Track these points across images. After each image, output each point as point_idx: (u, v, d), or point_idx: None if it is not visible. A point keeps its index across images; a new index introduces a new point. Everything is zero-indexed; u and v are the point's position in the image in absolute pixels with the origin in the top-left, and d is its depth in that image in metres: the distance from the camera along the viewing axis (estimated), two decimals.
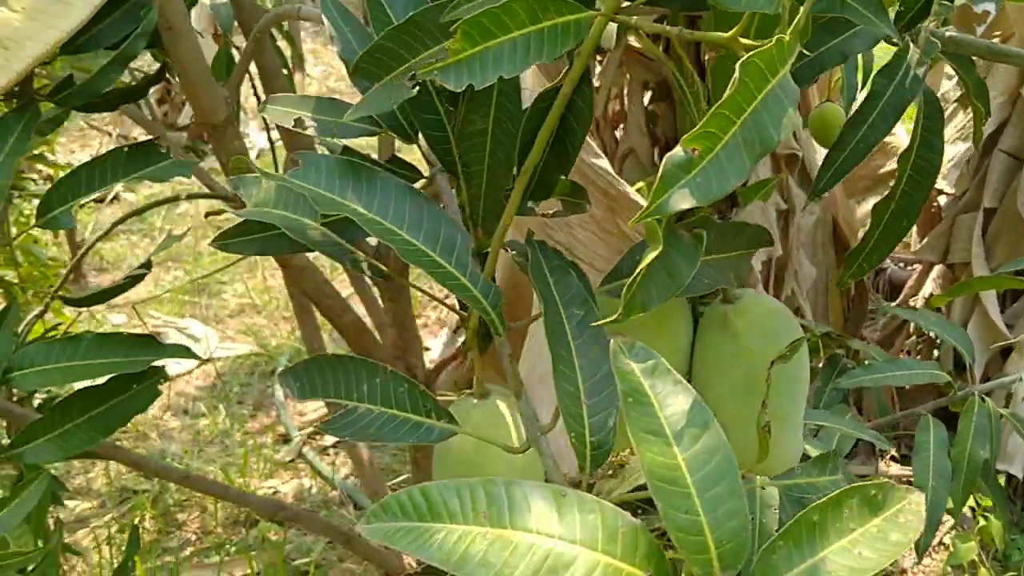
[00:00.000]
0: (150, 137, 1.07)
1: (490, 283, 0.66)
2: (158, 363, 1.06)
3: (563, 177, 0.71)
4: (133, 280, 1.20)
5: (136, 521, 2.42)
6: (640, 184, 1.20)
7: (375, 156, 0.90)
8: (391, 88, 0.63)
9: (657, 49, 0.63)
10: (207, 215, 1.24)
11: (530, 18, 0.52)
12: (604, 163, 1.04)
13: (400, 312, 1.60)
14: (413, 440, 0.70)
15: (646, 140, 2.01)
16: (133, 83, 1.30)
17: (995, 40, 2.01)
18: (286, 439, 2.86)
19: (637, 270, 0.49)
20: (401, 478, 2.49)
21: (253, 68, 1.33)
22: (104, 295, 1.17)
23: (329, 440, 2.84)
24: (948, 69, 2.23)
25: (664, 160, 0.45)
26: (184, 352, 1.10)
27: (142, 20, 0.99)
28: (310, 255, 1.31)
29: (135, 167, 1.00)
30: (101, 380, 1.04)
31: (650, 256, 0.48)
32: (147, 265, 1.17)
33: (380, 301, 1.66)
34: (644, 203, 0.47)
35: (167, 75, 1.18)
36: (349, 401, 0.72)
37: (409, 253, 0.64)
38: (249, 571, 2.22)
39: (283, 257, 1.35)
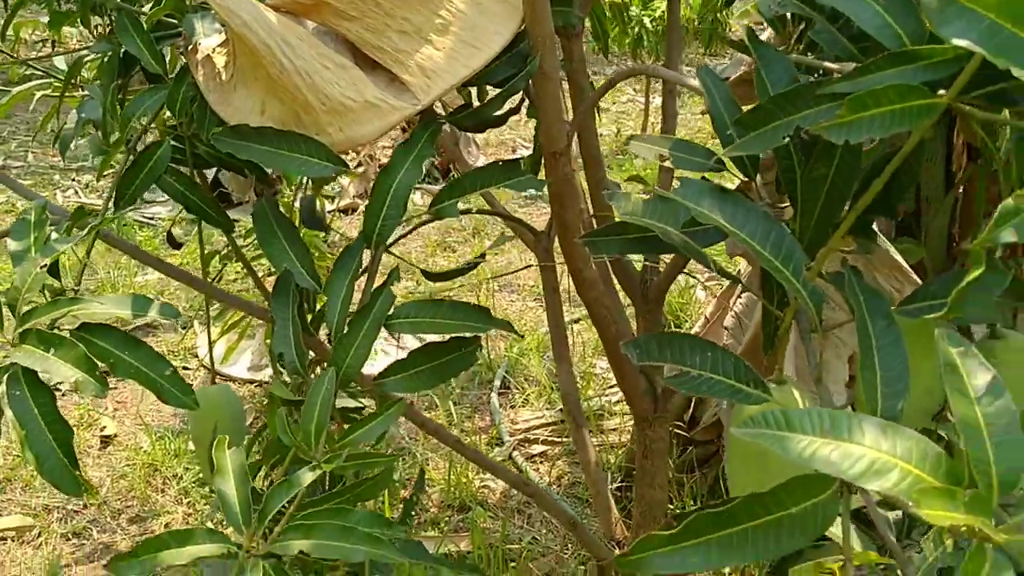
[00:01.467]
0: (515, 157, 1.36)
1: (817, 291, 0.88)
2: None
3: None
4: (469, 267, 1.50)
5: None
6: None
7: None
8: (765, 137, 0.86)
9: (979, 129, 0.83)
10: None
11: (897, 98, 0.75)
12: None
13: (650, 330, 1.84)
14: (732, 399, 0.92)
15: None
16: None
17: None
18: (499, 442, 3.14)
19: (964, 281, 0.70)
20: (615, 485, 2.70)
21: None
22: (448, 275, 1.47)
23: (536, 449, 3.10)
24: None
25: (1000, 206, 0.65)
26: (507, 326, 1.38)
27: (527, 66, 1.28)
28: None
29: (504, 178, 1.29)
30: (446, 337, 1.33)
31: (974, 273, 0.69)
32: (483, 256, 1.47)
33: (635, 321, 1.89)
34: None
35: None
36: (683, 367, 0.95)
37: (760, 256, 0.87)
38: (471, 545, 2.49)
39: (577, 268, 1.60)
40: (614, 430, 3.13)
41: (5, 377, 1.24)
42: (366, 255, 1.32)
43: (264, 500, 1.04)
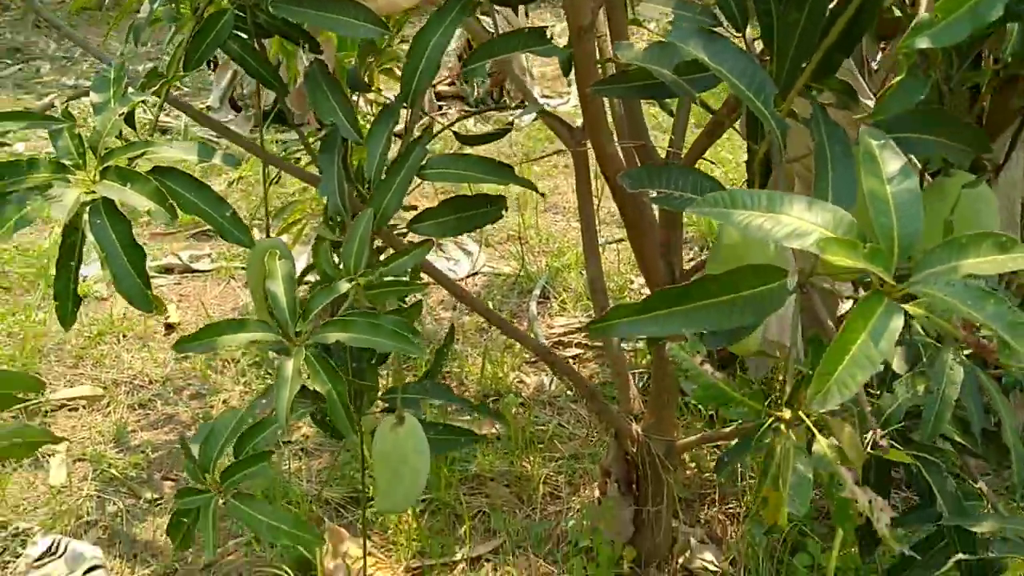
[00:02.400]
0: (544, 25, 1.49)
1: (783, 120, 1.01)
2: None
3: (842, 62, 1.05)
4: (501, 132, 1.65)
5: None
6: None
7: None
8: None
9: None
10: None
11: None
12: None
13: (672, 218, 1.96)
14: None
15: None
16: None
17: None
18: None
19: (888, 86, 0.83)
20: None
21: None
22: (482, 139, 1.62)
23: (570, 352, 3.26)
24: None
25: (916, 18, 0.78)
26: (529, 184, 1.52)
27: None
28: None
29: (530, 44, 1.43)
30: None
31: (897, 79, 0.82)
32: (511, 125, 1.61)
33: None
34: None
35: None
36: (672, 191, 1.09)
37: (736, 89, 1.00)
38: (504, 428, 2.68)
39: (600, 143, 1.73)
40: (643, 337, 3.27)
41: (88, 208, 1.42)
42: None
43: (308, 301, 1.21)
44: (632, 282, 3.72)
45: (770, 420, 0.93)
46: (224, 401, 2.99)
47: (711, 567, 2.22)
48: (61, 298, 1.48)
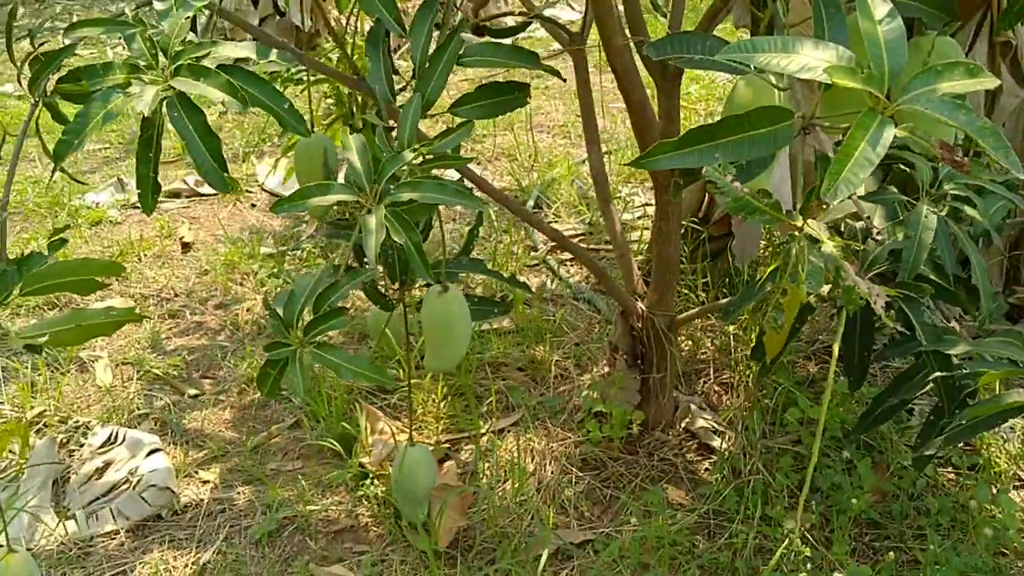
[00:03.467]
0: None
1: None
2: None
3: None
4: (521, 27, 1.84)
5: None
6: None
7: None
8: None
9: None
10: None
11: None
12: None
13: (670, 107, 2.16)
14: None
15: None
16: None
17: None
18: (533, 248, 3.52)
19: None
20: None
21: None
22: (503, 32, 1.81)
23: (566, 256, 3.47)
24: None
25: None
26: (553, 71, 1.71)
27: None
28: None
29: None
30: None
31: None
32: (528, 22, 1.80)
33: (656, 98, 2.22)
34: None
35: None
36: (693, 54, 1.29)
37: None
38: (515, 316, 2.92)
39: (607, 36, 1.93)
40: (635, 241, 3.50)
41: (165, 102, 1.60)
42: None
43: (381, 167, 1.41)
44: (618, 191, 3.93)
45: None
46: (248, 309, 3.19)
47: (710, 426, 2.47)
48: (143, 186, 1.67)
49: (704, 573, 2.09)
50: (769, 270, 1.43)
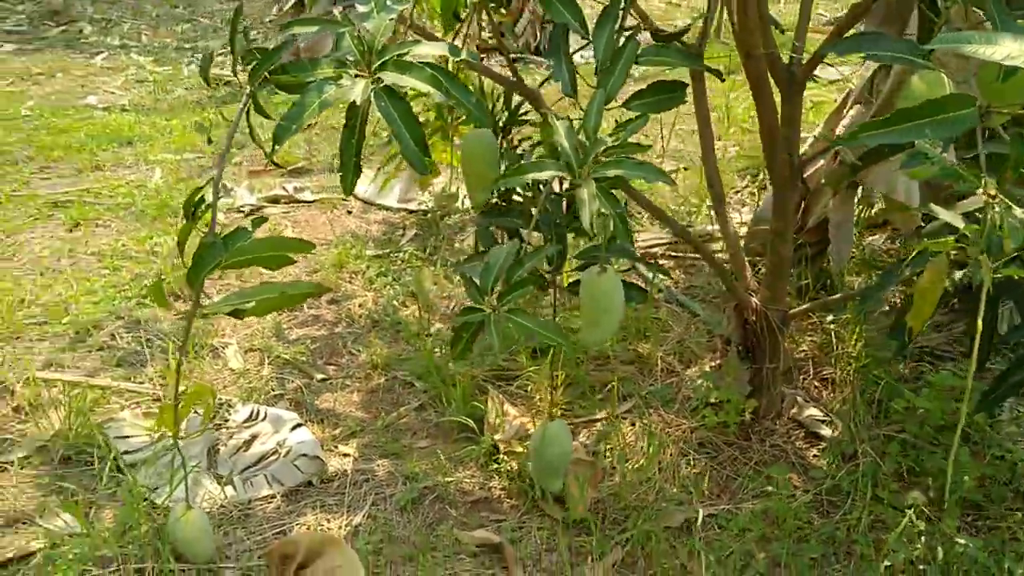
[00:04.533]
0: None
1: None
2: None
3: None
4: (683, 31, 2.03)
5: None
6: None
7: None
8: None
9: None
10: None
11: None
12: None
13: (792, 113, 2.34)
14: (907, 63, 1.44)
15: None
16: None
17: None
18: None
19: None
20: None
21: None
22: (672, 36, 2.00)
23: (661, 262, 3.64)
24: None
25: None
26: (716, 73, 1.90)
27: None
28: None
29: None
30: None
31: None
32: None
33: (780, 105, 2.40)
34: None
35: None
36: (873, 52, 1.47)
37: None
38: None
39: (749, 47, 2.11)
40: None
41: (372, 93, 1.78)
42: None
43: (586, 150, 1.59)
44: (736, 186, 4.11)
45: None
46: (360, 304, 3.37)
47: (818, 416, 2.63)
48: (346, 168, 1.85)
49: (824, 546, 2.23)
50: (914, 253, 1.59)
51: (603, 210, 1.55)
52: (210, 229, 1.94)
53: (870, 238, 3.54)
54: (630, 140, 1.73)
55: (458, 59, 1.87)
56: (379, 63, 1.81)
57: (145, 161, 4.81)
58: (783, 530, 2.27)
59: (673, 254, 3.70)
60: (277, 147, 1.81)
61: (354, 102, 1.76)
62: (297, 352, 3.07)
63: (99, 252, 3.73)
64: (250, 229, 1.94)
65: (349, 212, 4.23)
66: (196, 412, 2.26)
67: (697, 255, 3.53)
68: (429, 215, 4.01)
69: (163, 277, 3.45)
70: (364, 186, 4.42)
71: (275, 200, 4.29)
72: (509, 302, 1.72)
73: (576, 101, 1.97)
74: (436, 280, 3.51)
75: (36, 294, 3.37)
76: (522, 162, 1.64)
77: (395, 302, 3.38)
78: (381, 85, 1.78)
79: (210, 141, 4.63)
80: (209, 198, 1.94)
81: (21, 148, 5.09)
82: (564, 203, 2.06)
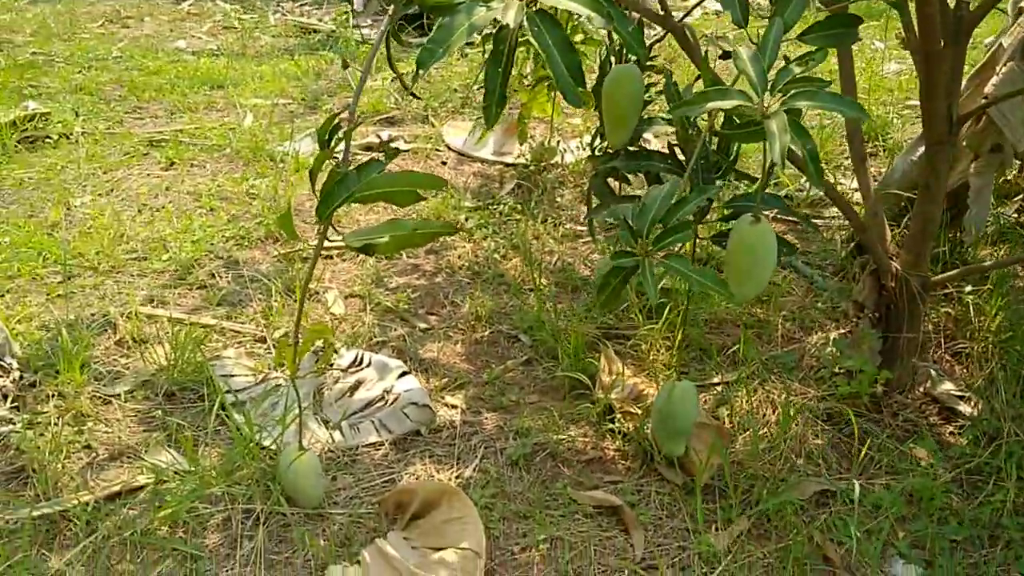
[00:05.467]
0: None
1: None
2: None
3: None
4: None
5: None
6: None
7: None
8: None
9: None
10: None
11: None
12: None
13: (956, 60, 2.15)
14: None
15: None
16: None
17: None
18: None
19: None
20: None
21: None
22: None
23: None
24: None
25: None
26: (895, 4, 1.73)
27: None
28: None
29: None
30: None
31: None
32: None
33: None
34: None
35: None
36: None
37: None
38: None
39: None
40: (833, 216, 3.48)
41: (524, 18, 1.65)
42: None
43: (774, 79, 1.44)
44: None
45: None
46: (459, 256, 3.27)
47: (955, 392, 2.46)
48: (489, 100, 1.73)
49: (967, 528, 2.08)
50: None
51: (792, 146, 1.41)
52: (343, 159, 1.84)
53: (999, 209, 3.33)
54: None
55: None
56: None
57: (237, 105, 4.75)
58: (923, 509, 2.12)
59: (784, 217, 3.52)
60: (422, 72, 1.68)
61: (505, 25, 1.63)
62: (398, 300, 2.98)
63: (195, 192, 3.68)
64: (383, 161, 1.83)
65: (443, 163, 4.12)
66: (315, 352, 2.18)
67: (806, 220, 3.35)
68: (530, 167, 3.87)
69: (286, 208, 3.39)
70: (459, 137, 4.31)
71: (368, 148, 4.19)
72: (666, 246, 1.59)
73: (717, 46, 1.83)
74: (538, 235, 3.39)
75: (135, 230, 3.33)
76: (702, 91, 1.50)
77: (496, 255, 3.27)
78: (535, 8, 1.65)
79: (346, 66, 4.58)
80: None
81: (113, 88, 5.08)
82: (715, 144, 1.92)
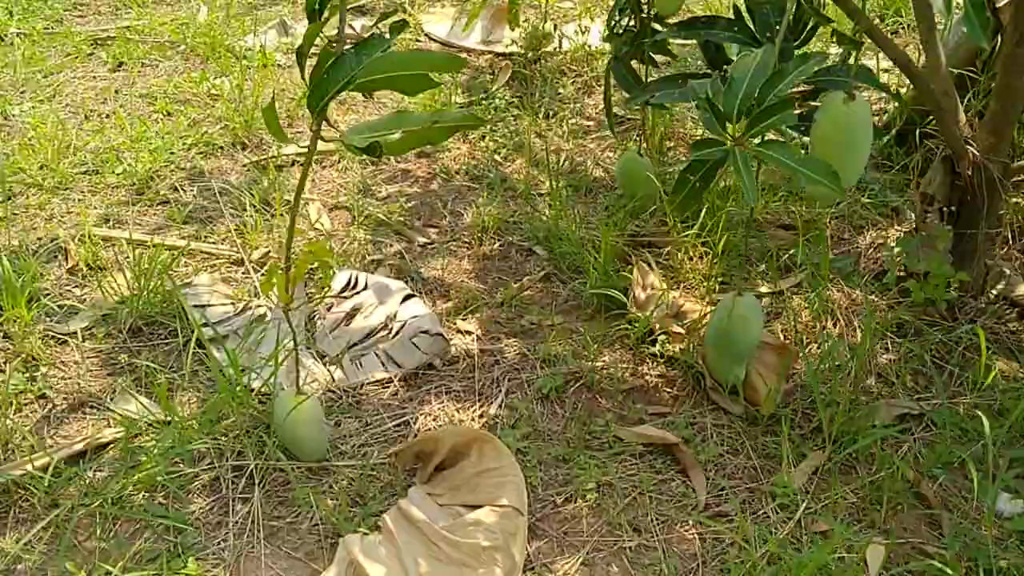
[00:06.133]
0: None
1: None
2: None
3: None
4: None
5: None
6: None
7: None
8: None
9: None
10: None
11: None
12: None
13: None
14: None
15: None
16: None
17: None
18: None
19: None
20: None
21: None
22: None
23: None
24: None
25: None
26: None
27: None
28: None
29: None
30: None
31: None
32: None
33: None
34: None
35: None
36: None
37: None
38: None
39: None
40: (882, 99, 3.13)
41: None
42: None
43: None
44: None
45: None
46: (455, 158, 2.89)
47: None
48: None
49: None
50: None
51: None
52: (338, 36, 1.46)
53: None
54: None
55: None
56: None
57: None
58: (1014, 432, 1.84)
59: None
60: None
61: None
62: (391, 211, 2.61)
63: (149, 95, 3.24)
64: (388, 37, 1.46)
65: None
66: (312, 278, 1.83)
67: None
68: (525, 55, 3.45)
69: (270, 101, 2.98)
70: (442, 26, 3.87)
71: (335, 42, 3.74)
72: (765, 130, 1.24)
73: None
74: (541, 132, 3.01)
75: (83, 140, 2.90)
76: None
77: (497, 156, 2.89)
78: None
79: None
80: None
81: None
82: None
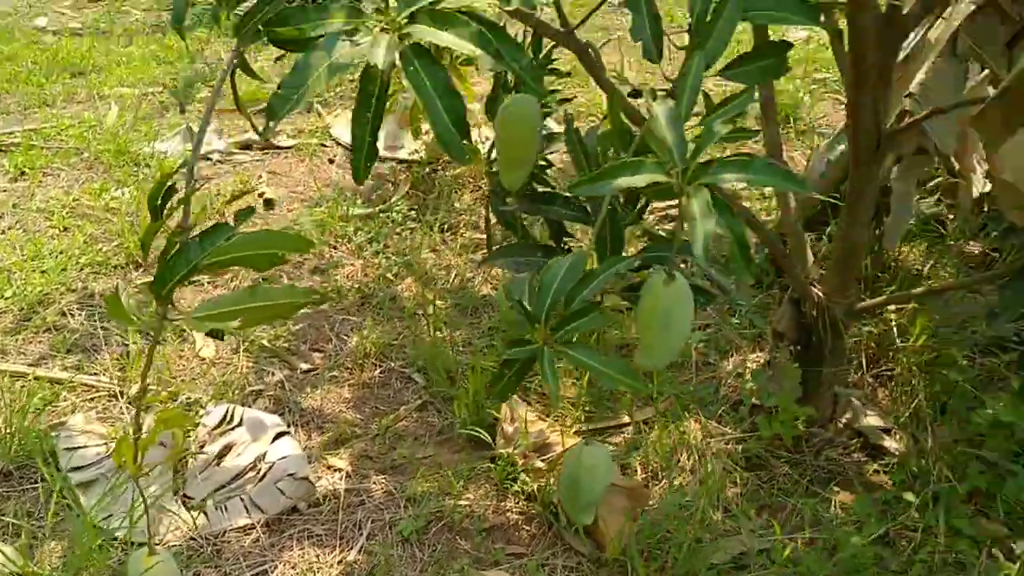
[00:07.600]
0: None
1: None
2: None
3: None
4: None
5: None
6: None
7: None
8: None
9: None
10: None
11: None
12: None
13: (884, 64, 1.93)
14: None
15: None
16: None
17: None
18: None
19: None
20: None
21: None
22: None
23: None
24: None
25: None
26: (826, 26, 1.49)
27: None
28: None
29: None
30: None
31: None
32: None
33: None
34: None
35: None
36: None
37: None
38: None
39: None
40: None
41: (398, 54, 1.35)
42: None
43: (698, 143, 1.19)
44: None
45: None
46: (348, 275, 2.98)
47: (880, 425, 2.30)
48: (359, 152, 1.41)
49: None
50: None
51: (719, 230, 1.16)
52: (182, 226, 1.53)
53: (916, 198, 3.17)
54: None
55: (509, 7, 1.44)
56: (408, 13, 1.37)
57: (99, 96, 4.30)
58: (843, 568, 1.95)
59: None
60: (272, 124, 1.37)
61: (373, 65, 1.33)
62: (277, 336, 2.68)
63: (47, 208, 3.27)
64: (232, 226, 1.53)
65: (331, 160, 3.79)
66: (162, 444, 1.88)
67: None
68: (425, 166, 3.57)
69: (125, 280, 3.02)
70: (348, 130, 3.97)
71: (247, 146, 3.83)
72: (569, 333, 1.34)
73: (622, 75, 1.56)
74: (434, 247, 3.11)
75: None
76: (606, 164, 1.23)
77: (389, 274, 2.98)
78: (410, 43, 1.35)
79: (182, 110, 4.10)
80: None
81: None
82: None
